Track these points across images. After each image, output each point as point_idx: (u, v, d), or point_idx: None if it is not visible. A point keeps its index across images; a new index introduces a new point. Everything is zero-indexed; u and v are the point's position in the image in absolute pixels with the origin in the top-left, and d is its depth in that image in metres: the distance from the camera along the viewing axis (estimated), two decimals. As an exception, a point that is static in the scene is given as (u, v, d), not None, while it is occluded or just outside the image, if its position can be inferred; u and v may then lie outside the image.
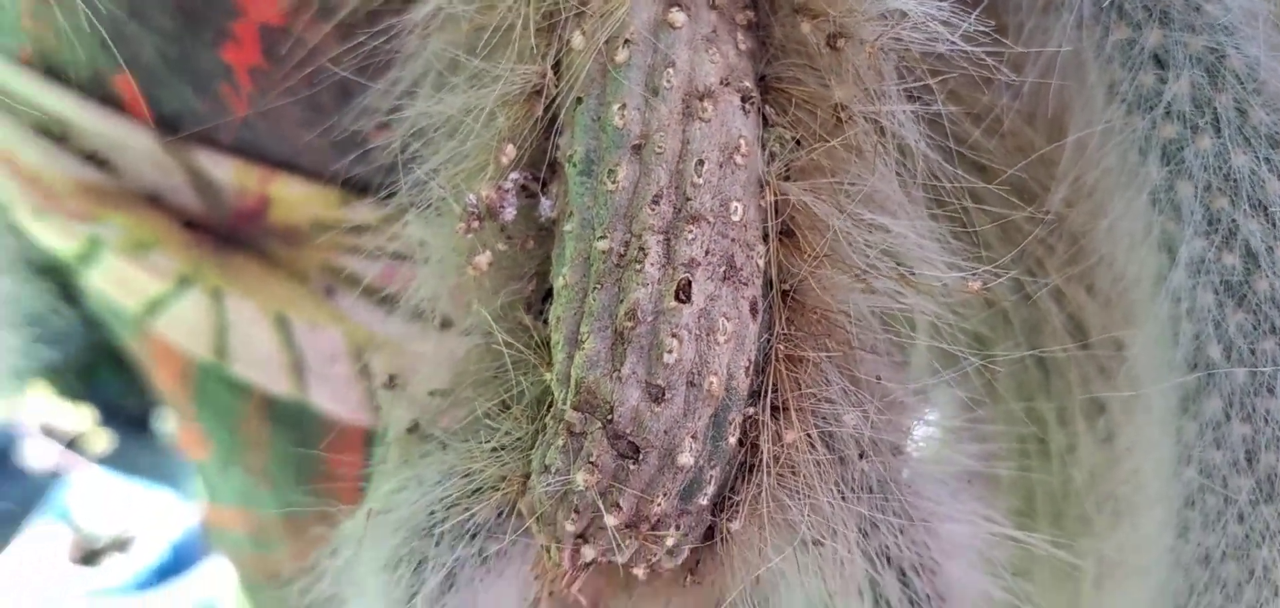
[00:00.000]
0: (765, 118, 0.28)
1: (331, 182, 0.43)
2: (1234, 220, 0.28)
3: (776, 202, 0.27)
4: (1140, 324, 0.31)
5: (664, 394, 0.25)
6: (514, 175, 0.28)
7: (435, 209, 0.29)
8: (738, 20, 0.28)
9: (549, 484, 0.25)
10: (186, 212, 0.47)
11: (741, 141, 0.27)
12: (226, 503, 0.71)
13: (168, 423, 0.69)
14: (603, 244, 0.26)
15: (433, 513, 0.27)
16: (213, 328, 0.52)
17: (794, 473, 0.26)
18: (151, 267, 0.50)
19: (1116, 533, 0.36)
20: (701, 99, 0.26)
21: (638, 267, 0.25)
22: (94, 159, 0.49)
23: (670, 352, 0.25)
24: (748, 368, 0.26)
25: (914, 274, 0.28)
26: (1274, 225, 0.28)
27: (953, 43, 0.27)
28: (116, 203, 0.48)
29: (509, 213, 0.28)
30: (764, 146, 0.27)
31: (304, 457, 0.59)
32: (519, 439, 0.27)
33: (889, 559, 0.28)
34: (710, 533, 0.26)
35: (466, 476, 0.27)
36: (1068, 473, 0.38)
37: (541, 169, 0.28)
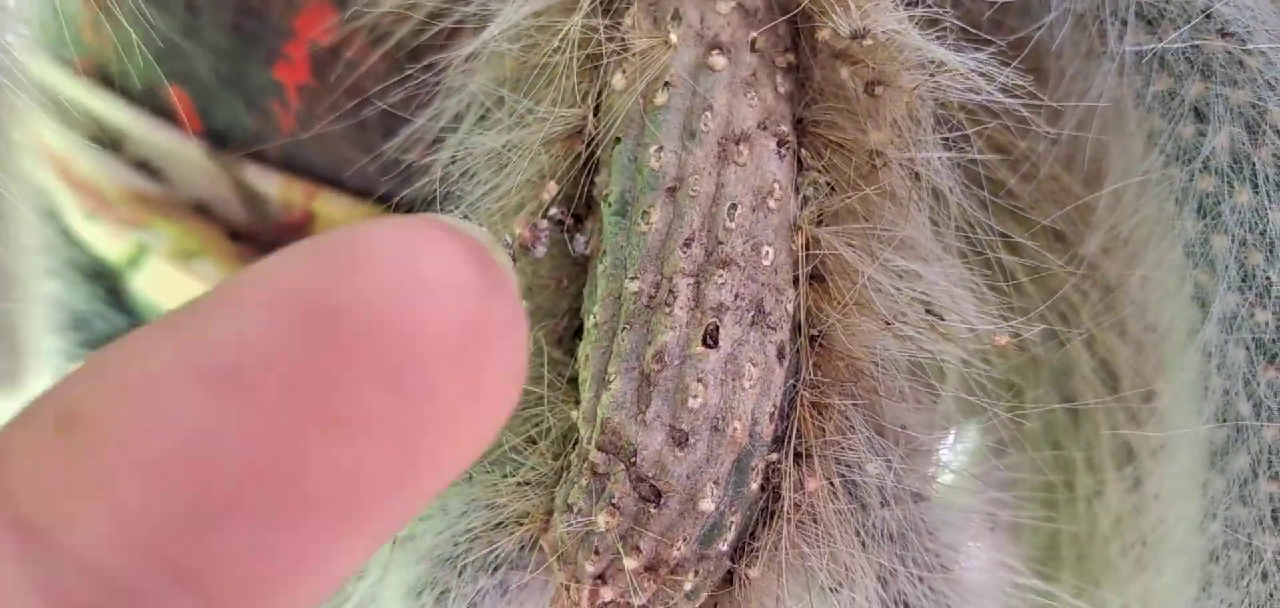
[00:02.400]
0: (800, 161, 0.28)
1: (375, 200, 0.44)
2: (1269, 277, 0.28)
3: (808, 245, 0.27)
4: (1171, 375, 0.31)
5: (687, 439, 0.25)
6: (552, 212, 0.28)
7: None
8: (778, 63, 0.28)
9: (571, 524, 0.25)
10: (233, 223, 0.48)
11: (775, 186, 0.27)
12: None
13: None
14: (633, 285, 0.26)
15: (457, 543, 0.27)
16: (254, 334, 0.53)
17: (815, 521, 0.26)
18: (197, 274, 0.52)
19: (1139, 581, 0.36)
20: (737, 143, 0.27)
21: (667, 310, 0.26)
22: (145, 168, 0.50)
23: (695, 397, 0.25)
24: (773, 414, 0.26)
25: (943, 322, 0.28)
26: (1310, 285, 0.28)
27: (991, 94, 0.27)
28: (165, 211, 0.50)
29: (541, 250, 0.28)
30: (798, 190, 0.28)
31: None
32: (544, 475, 0.27)
33: (907, 606, 0.28)
34: (729, 578, 0.27)
35: (491, 507, 0.27)
36: (1094, 516, 0.37)
37: (577, 205, 0.29)
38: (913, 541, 0.27)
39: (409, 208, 0.45)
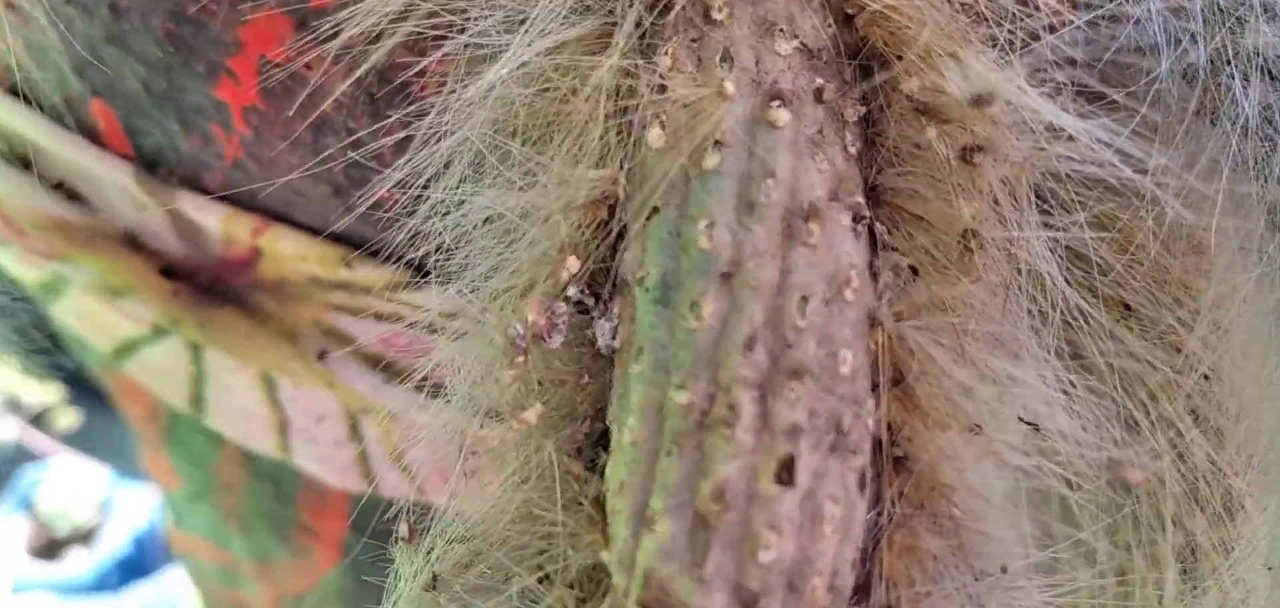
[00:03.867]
0: (875, 238, 0.23)
1: (331, 238, 0.38)
2: None
3: (890, 345, 0.22)
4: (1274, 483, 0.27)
5: (758, 601, 0.20)
6: (571, 293, 0.23)
7: (469, 329, 0.24)
8: (847, 116, 0.23)
9: (611, 705, 0.20)
10: (166, 257, 0.42)
11: (851, 272, 0.22)
12: (194, 533, 0.66)
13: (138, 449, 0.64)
14: (682, 396, 0.21)
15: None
16: (189, 378, 0.47)
17: (907, 694, 0.21)
18: (124, 311, 0.45)
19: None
20: (806, 219, 0.22)
21: (727, 431, 0.20)
22: (65, 191, 0.43)
23: (767, 549, 0.20)
24: (854, 561, 0.21)
25: (1045, 439, 0.23)
26: None
27: (1114, 165, 0.22)
28: (88, 242, 0.43)
29: (558, 339, 0.23)
30: (875, 276, 0.23)
31: (283, 512, 0.54)
32: (566, 626, 0.22)
33: None
34: None
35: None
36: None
37: (601, 284, 0.24)
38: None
39: (369, 244, 0.39)
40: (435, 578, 0.24)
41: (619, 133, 0.23)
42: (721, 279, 0.21)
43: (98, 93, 0.39)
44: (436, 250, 0.25)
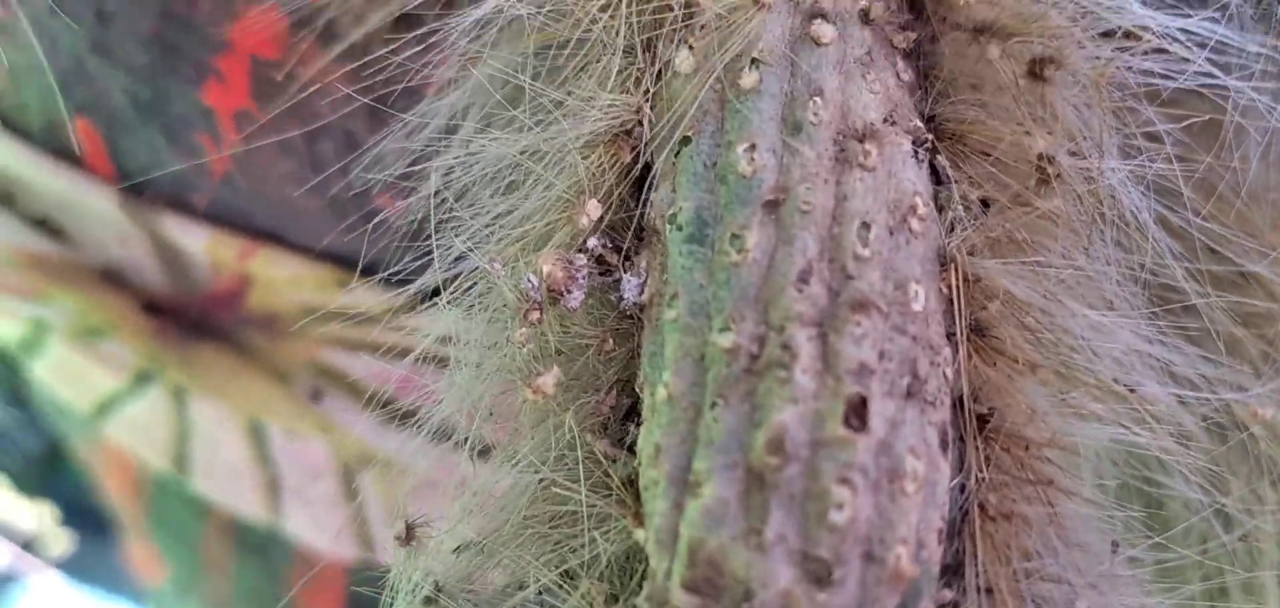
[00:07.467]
0: (937, 172, 0.20)
1: (327, 258, 0.35)
2: None
3: (967, 284, 0.19)
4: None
5: (831, 573, 0.16)
6: (591, 243, 0.20)
7: (476, 294, 0.21)
8: (896, 42, 0.21)
9: (651, 707, 0.16)
10: (149, 293, 0.39)
11: (917, 200, 0.19)
12: (181, 638, 0.62)
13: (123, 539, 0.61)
14: (725, 338, 0.18)
15: None
16: (173, 435, 0.43)
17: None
18: (104, 358, 0.42)
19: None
20: (861, 140, 0.19)
21: (782, 373, 0.17)
22: (45, 226, 0.41)
23: (839, 507, 0.16)
24: (941, 531, 0.18)
25: (1139, 394, 0.20)
26: None
27: (1210, 74, 0.19)
28: (68, 279, 0.40)
29: (577, 297, 0.20)
30: (941, 210, 0.20)
31: (273, 594, 0.50)
32: (594, 626, 0.18)
33: None
34: None
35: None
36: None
37: (624, 237, 0.21)
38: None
39: (368, 265, 0.36)
40: (439, 589, 0.21)
41: (642, 61, 0.20)
42: (766, 208, 0.19)
43: (82, 110, 0.37)
44: (438, 219, 0.22)
